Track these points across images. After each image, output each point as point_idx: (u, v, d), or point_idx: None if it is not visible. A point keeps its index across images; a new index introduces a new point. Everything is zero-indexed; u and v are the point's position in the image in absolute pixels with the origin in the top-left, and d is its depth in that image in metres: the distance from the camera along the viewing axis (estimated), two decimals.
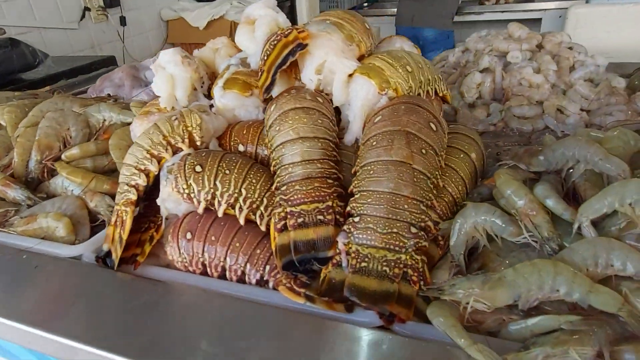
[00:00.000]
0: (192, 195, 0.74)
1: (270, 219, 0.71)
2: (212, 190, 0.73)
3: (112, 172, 1.00)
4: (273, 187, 0.73)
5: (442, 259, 0.69)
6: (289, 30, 0.78)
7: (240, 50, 0.98)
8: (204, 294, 0.68)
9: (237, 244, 0.71)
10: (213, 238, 0.72)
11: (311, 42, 0.76)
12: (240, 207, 0.73)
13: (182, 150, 0.78)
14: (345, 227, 0.67)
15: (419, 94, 0.79)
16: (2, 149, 1.04)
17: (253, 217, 0.73)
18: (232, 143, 0.84)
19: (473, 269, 0.67)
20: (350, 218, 0.67)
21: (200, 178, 0.73)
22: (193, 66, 0.94)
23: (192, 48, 1.04)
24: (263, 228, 0.73)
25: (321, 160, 0.71)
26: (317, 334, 0.58)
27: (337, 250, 0.66)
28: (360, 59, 0.80)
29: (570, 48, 1.13)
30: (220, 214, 0.73)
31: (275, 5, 0.94)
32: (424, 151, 0.66)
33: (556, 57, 1.11)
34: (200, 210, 0.74)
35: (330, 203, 0.69)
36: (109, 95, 1.36)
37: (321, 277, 0.66)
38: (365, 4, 5.67)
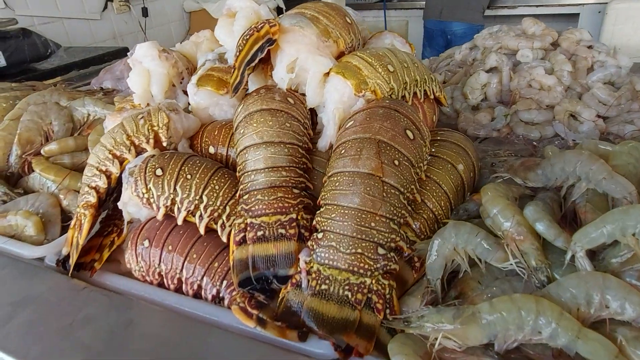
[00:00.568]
0: (151, 200, 0.69)
1: (232, 229, 0.66)
2: (172, 195, 0.68)
3: None
4: (237, 195, 0.68)
5: (416, 283, 0.62)
6: (262, 24, 0.71)
7: (222, 45, 0.92)
8: (154, 308, 0.63)
9: (195, 255, 0.66)
10: (170, 247, 0.67)
11: (282, 38, 0.69)
12: (201, 215, 0.67)
13: (146, 151, 0.74)
14: (309, 243, 0.61)
15: (403, 96, 0.71)
16: None
17: (214, 226, 0.68)
18: (203, 144, 0.79)
19: (450, 297, 0.60)
20: (315, 234, 0.61)
21: (160, 182, 0.68)
22: (171, 61, 0.89)
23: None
24: (224, 239, 0.67)
25: (287, 168, 0.65)
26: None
27: (298, 269, 0.60)
28: (340, 56, 0.73)
29: (590, 47, 1.02)
30: (179, 222, 0.68)
31: None
32: (396, 162, 0.59)
33: (573, 57, 1.00)
34: (159, 216, 0.69)
35: (294, 215, 0.63)
36: (101, 88, 1.33)
37: (279, 298, 0.60)
38: None
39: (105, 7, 3.27)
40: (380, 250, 0.57)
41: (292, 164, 0.65)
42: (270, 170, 0.64)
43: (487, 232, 0.60)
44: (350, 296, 0.56)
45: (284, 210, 0.63)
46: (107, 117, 0.87)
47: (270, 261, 0.61)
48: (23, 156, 0.98)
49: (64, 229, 0.87)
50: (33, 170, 0.98)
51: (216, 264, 0.65)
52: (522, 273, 0.56)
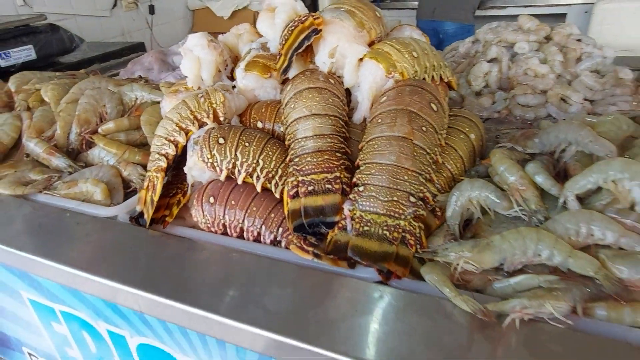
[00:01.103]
0: (215, 164, 0.82)
1: (284, 187, 0.79)
2: (233, 160, 0.81)
3: (142, 146, 1.10)
4: (287, 159, 0.81)
5: (438, 228, 0.76)
6: (305, 17, 0.85)
7: (261, 36, 1.05)
8: (224, 250, 0.76)
9: (254, 208, 0.80)
10: (233, 202, 0.81)
11: (325, 28, 0.83)
12: (258, 176, 0.81)
13: (207, 124, 0.87)
14: (351, 196, 0.75)
15: (424, 78, 0.85)
16: (46, 122, 1.15)
17: (269, 185, 0.81)
18: (251, 120, 0.92)
19: (466, 238, 0.74)
20: (356, 187, 0.75)
21: (222, 149, 0.82)
22: (218, 50, 1.02)
23: (217, 37, 1.11)
24: (277, 195, 0.81)
25: (331, 135, 0.78)
26: (323, 285, 0.66)
27: (343, 216, 0.74)
28: (371, 44, 0.86)
29: (579, 40, 1.17)
30: (239, 182, 0.82)
31: None
32: (424, 128, 0.73)
33: (563, 49, 1.15)
34: (222, 177, 0.82)
35: (338, 174, 0.77)
36: (140, 76, 1.46)
37: (328, 239, 0.74)
38: None
39: (115, 4, 3.38)
40: (412, 199, 0.71)
41: (335, 133, 0.79)
42: (317, 137, 0.78)
43: (496, 186, 0.74)
44: (388, 234, 0.70)
45: (329, 169, 0.77)
46: (164, 97, 1.00)
47: (320, 210, 0.75)
48: (82, 134, 1.10)
49: (126, 195, 1.00)
50: (90, 147, 1.11)
51: (272, 215, 0.79)
52: (524, 216, 0.70)
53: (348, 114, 0.86)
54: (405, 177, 0.71)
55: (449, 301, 0.59)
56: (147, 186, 0.86)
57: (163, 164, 0.85)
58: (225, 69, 1.05)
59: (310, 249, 0.71)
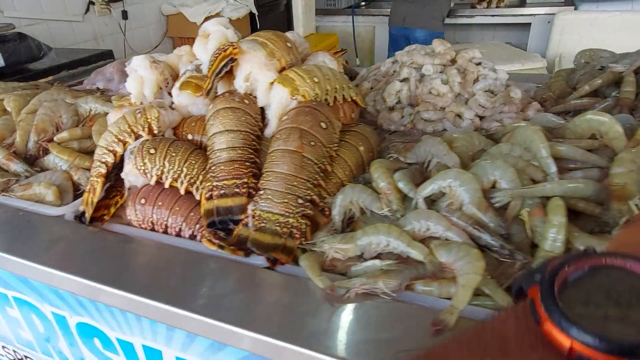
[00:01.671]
0: (146, 171, 0.98)
1: (203, 190, 0.95)
2: (161, 167, 0.97)
3: (93, 153, 1.24)
4: (207, 167, 0.97)
5: (326, 225, 0.93)
6: (227, 47, 1.01)
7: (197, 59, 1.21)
8: (151, 243, 0.92)
9: (177, 208, 0.96)
10: (160, 203, 0.96)
11: (241, 57, 0.99)
12: (182, 181, 0.97)
13: (142, 136, 1.02)
14: (255, 198, 0.91)
15: (325, 99, 1.02)
16: (7, 130, 1.28)
17: (191, 189, 0.97)
18: (183, 132, 1.08)
19: (347, 232, 0.91)
20: (258, 192, 0.91)
21: (153, 158, 0.97)
22: (159, 69, 1.17)
23: (191, 42, 1.22)
24: (197, 197, 0.97)
25: (242, 148, 0.95)
26: (225, 269, 0.83)
27: (247, 215, 0.90)
28: (281, 71, 1.03)
29: (479, 64, 1.35)
30: (166, 186, 0.97)
31: (227, 22, 1.17)
32: (312, 143, 0.90)
33: (465, 71, 1.33)
34: (152, 182, 0.98)
35: (245, 180, 0.93)
36: (97, 88, 1.60)
37: (234, 234, 0.90)
38: (363, 4, 5.81)
39: (87, 9, 3.47)
40: (300, 201, 0.88)
41: (245, 145, 0.95)
42: (230, 150, 0.94)
43: (372, 191, 0.92)
44: (279, 230, 0.86)
45: (239, 176, 0.93)
46: (110, 111, 1.15)
47: (229, 210, 0.91)
48: (39, 142, 1.24)
49: (75, 197, 1.14)
50: (47, 153, 1.25)
51: (192, 214, 0.95)
52: (390, 214, 0.88)
53: (262, 129, 1.02)
54: (295, 183, 0.88)
55: (311, 281, 0.76)
56: (89, 189, 1.01)
57: (103, 170, 1.01)
58: (167, 86, 1.20)
59: (217, 241, 0.87)
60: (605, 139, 0.86)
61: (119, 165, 1.04)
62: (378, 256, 0.82)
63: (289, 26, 4.80)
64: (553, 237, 0.69)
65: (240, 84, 1.00)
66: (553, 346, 0.23)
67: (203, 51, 1.15)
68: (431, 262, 0.76)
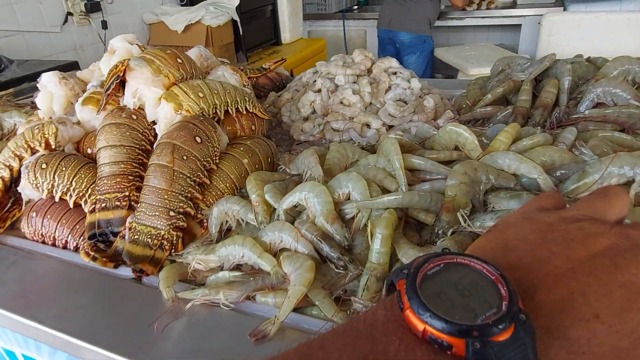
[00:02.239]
0: (38, 185, 1.01)
1: (89, 204, 0.99)
2: (52, 182, 1.01)
3: None
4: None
5: (202, 236, 0.96)
6: (119, 64, 1.04)
7: None
8: (38, 254, 0.96)
9: (64, 221, 0.99)
10: (49, 216, 1.00)
11: (128, 74, 1.03)
12: (70, 195, 1.00)
13: (38, 151, 1.06)
14: (134, 212, 0.94)
15: (215, 113, 1.05)
16: None
17: (80, 202, 1.01)
18: (84, 147, 1.12)
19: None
20: (137, 204, 0.94)
21: (44, 173, 1.01)
22: (69, 85, 1.21)
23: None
24: (86, 210, 1.00)
25: (125, 162, 0.98)
26: (95, 280, 0.86)
27: (124, 227, 0.94)
28: (172, 86, 1.06)
29: (395, 73, 1.37)
30: (56, 200, 1.01)
31: (134, 39, 1.21)
32: (185, 157, 0.93)
33: (378, 81, 1.35)
34: (43, 196, 1.02)
35: (127, 193, 0.96)
36: (31, 102, 1.65)
37: (112, 246, 0.93)
38: (355, 7, 5.83)
39: (66, 20, 3.54)
40: (172, 213, 0.91)
41: (129, 160, 0.99)
42: (112, 164, 0.98)
43: (247, 202, 0.94)
44: (150, 241, 0.89)
45: (120, 190, 0.96)
46: (20, 127, 1.19)
47: (109, 222, 0.95)
48: None
49: None
50: None
51: (78, 226, 0.98)
52: (258, 224, 0.90)
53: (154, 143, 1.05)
54: (165, 197, 0.91)
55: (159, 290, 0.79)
56: None
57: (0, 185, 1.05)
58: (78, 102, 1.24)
59: (92, 253, 0.91)
60: (465, 150, 0.88)
61: (17, 179, 1.08)
62: (238, 267, 0.84)
63: (275, 32, 4.84)
64: (377, 249, 0.71)
65: (129, 100, 1.04)
66: (411, 329, 0.28)
67: (107, 67, 1.19)
68: (276, 274, 0.78)
